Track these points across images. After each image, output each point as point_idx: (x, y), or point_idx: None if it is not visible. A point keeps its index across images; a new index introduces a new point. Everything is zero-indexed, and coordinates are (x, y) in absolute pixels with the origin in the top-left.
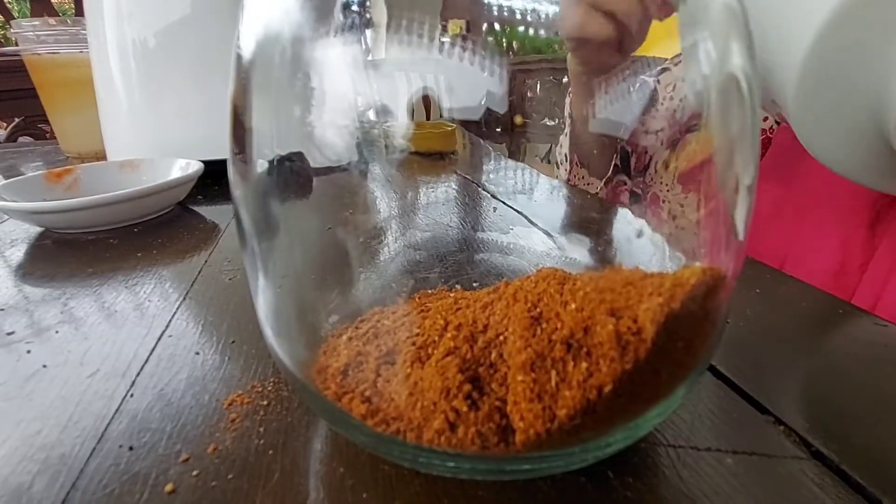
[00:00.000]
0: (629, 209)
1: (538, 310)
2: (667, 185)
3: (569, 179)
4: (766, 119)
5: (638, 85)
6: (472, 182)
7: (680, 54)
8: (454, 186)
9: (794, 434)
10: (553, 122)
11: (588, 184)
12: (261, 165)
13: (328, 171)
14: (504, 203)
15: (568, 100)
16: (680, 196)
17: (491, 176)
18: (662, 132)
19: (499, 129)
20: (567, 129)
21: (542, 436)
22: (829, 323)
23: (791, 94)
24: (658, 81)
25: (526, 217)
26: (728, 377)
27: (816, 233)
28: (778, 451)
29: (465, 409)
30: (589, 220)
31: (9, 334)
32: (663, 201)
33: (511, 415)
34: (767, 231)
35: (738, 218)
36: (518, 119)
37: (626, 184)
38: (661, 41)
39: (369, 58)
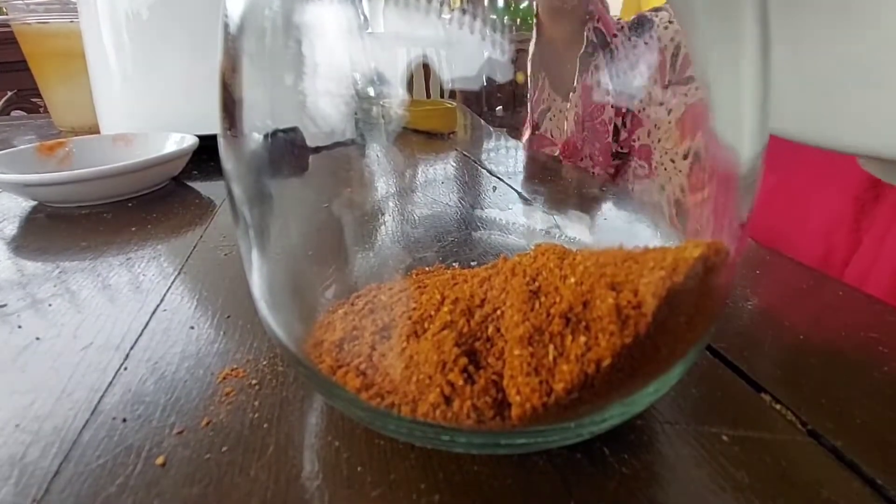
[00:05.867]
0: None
1: (537, 284)
2: (669, 159)
3: (534, 137)
4: None
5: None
6: (472, 160)
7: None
8: (453, 164)
9: (791, 413)
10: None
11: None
12: (254, 140)
13: (325, 147)
14: (503, 181)
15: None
16: (682, 165)
17: (491, 154)
18: (658, 90)
19: (499, 107)
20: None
21: (539, 410)
22: (826, 304)
23: None
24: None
25: (525, 196)
26: (725, 356)
27: (802, 224)
28: (774, 430)
29: (460, 382)
30: (589, 197)
31: (1, 306)
32: (666, 169)
33: (507, 389)
34: (757, 219)
35: (742, 194)
36: (520, 77)
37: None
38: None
39: (368, 30)
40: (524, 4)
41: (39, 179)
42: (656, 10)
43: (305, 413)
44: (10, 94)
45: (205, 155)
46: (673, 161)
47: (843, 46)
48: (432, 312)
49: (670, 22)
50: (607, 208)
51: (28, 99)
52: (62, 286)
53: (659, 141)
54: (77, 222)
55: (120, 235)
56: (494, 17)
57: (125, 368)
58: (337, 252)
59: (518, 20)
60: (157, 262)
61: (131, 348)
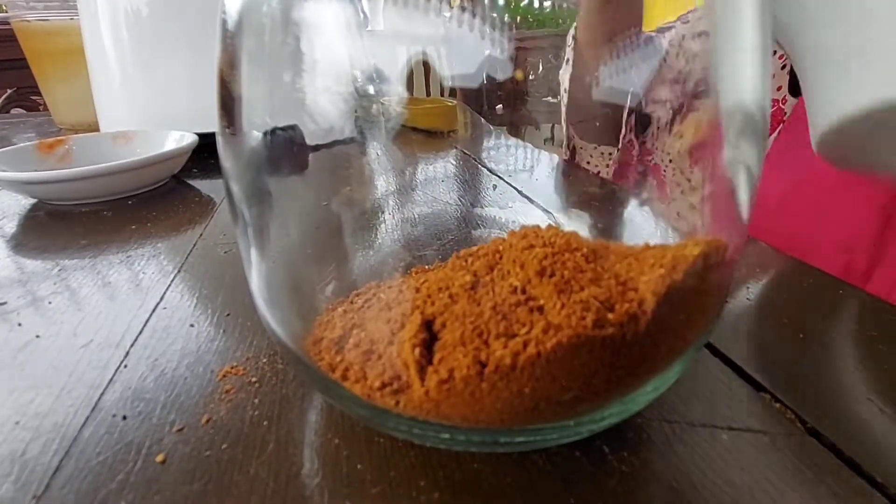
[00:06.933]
0: (631, 180)
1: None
2: (669, 155)
3: (573, 158)
4: (779, 88)
5: (646, 45)
6: (472, 158)
7: (687, 13)
8: (453, 162)
9: (790, 411)
10: (555, 100)
11: (591, 157)
12: (253, 138)
13: (325, 145)
14: (503, 180)
15: (565, 73)
16: (684, 168)
17: (491, 153)
18: (666, 97)
19: (499, 105)
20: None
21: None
22: (827, 302)
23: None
24: (663, 39)
25: (525, 195)
26: (725, 354)
27: (820, 234)
28: (773, 428)
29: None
30: (589, 196)
31: (1, 304)
32: (664, 171)
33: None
34: (771, 226)
35: (742, 192)
36: (519, 75)
37: (635, 147)
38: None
39: (368, 27)
40: (524, 2)
41: (39, 177)
42: (663, 30)
43: (305, 411)
44: (9, 91)
45: (205, 153)
46: (672, 161)
47: None
48: (431, 311)
49: (681, 45)
50: (607, 206)
51: (28, 96)
52: (62, 284)
53: (670, 161)
54: (77, 220)
55: (120, 233)
56: (494, 14)
57: (125, 366)
58: (336, 250)
59: (518, 18)
60: (157, 260)
61: (131, 346)
